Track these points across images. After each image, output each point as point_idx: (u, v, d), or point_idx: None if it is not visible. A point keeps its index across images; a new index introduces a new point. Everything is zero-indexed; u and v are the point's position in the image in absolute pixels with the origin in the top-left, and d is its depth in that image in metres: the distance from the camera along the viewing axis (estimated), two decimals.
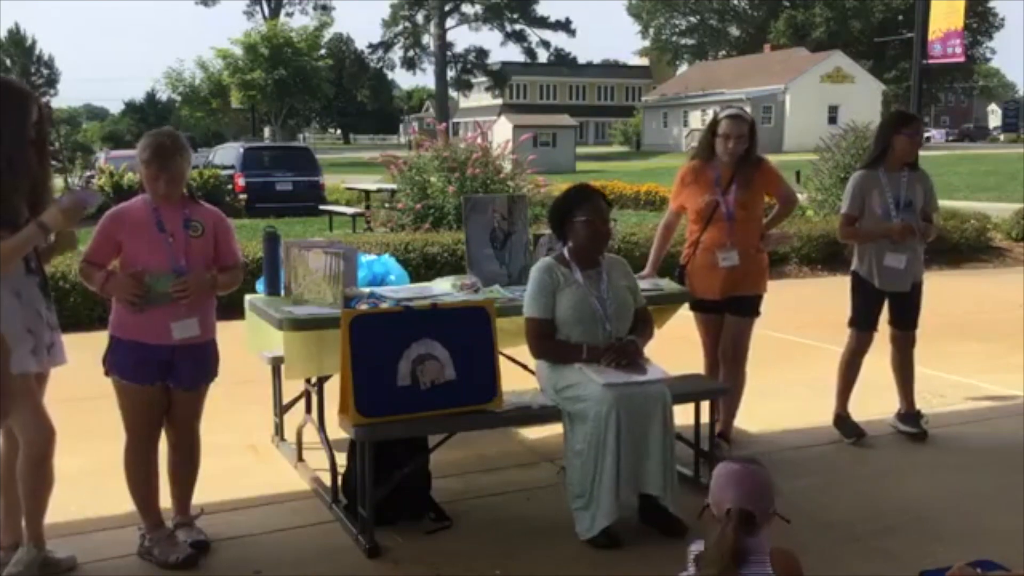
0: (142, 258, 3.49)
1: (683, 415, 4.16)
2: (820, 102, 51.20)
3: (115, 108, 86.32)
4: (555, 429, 4.30)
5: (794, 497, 4.24)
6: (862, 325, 5.15)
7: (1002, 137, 62.58)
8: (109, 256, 3.54)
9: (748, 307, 4.88)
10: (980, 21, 64.32)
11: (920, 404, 5.33)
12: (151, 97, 68.88)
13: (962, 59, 16.25)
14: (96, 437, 4.41)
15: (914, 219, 5.01)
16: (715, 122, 4.77)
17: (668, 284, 4.90)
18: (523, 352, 4.58)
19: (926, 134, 39.94)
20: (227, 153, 22.74)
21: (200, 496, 3.85)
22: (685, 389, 4.14)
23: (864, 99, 49.15)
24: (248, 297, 4.54)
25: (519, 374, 4.82)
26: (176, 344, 3.54)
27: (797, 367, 6.77)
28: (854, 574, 3.60)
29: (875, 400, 5.39)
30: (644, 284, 4.70)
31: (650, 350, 4.16)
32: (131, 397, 3.55)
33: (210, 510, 3.93)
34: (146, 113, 66.77)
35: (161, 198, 3.54)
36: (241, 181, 20.06)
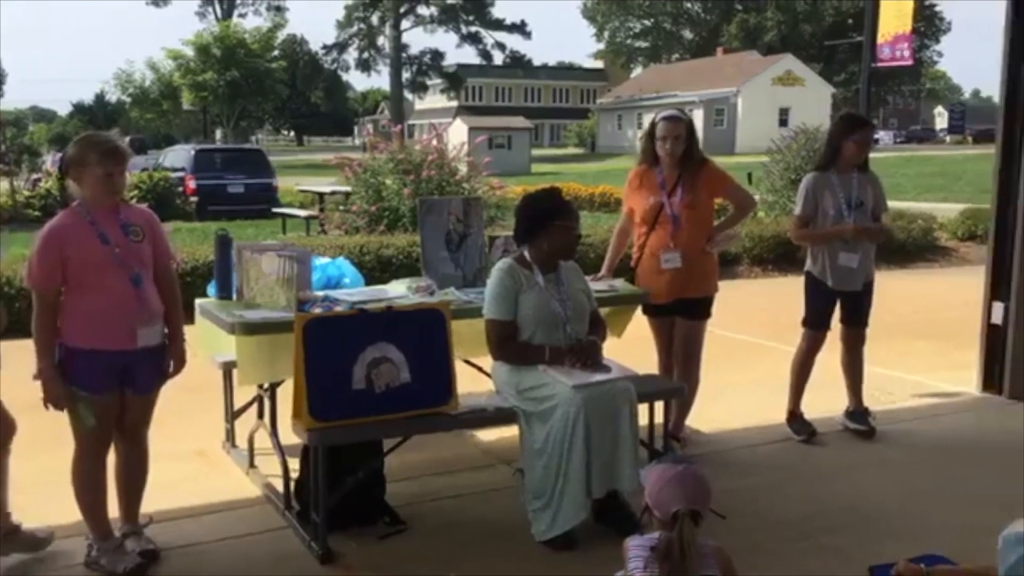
0: (92, 277, 3.39)
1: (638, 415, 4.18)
2: (771, 104, 51.80)
3: (63, 110, 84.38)
4: (510, 431, 4.31)
5: (745, 495, 4.29)
6: (816, 324, 5.22)
7: (948, 139, 63.87)
8: (60, 278, 3.41)
9: (697, 310, 4.91)
10: (927, 25, 65.58)
11: (868, 401, 5.42)
12: (100, 99, 67.55)
13: (910, 62, 16.56)
14: (37, 447, 4.30)
15: (865, 219, 5.10)
16: (653, 125, 4.82)
17: (623, 285, 4.92)
18: (478, 355, 4.58)
19: (875, 135, 40.57)
20: (178, 155, 22.44)
21: (149, 504, 3.79)
22: (643, 389, 4.15)
23: (814, 102, 49.75)
24: (198, 301, 4.48)
25: (474, 376, 4.81)
26: (137, 348, 3.48)
27: (749, 366, 6.85)
28: (804, 572, 3.64)
29: (824, 398, 5.45)
30: (600, 285, 4.73)
31: (606, 350, 4.18)
32: (89, 407, 3.47)
33: (159, 518, 3.87)
34: (95, 115, 65.43)
35: (112, 196, 3.47)
36: (192, 184, 19.79)
